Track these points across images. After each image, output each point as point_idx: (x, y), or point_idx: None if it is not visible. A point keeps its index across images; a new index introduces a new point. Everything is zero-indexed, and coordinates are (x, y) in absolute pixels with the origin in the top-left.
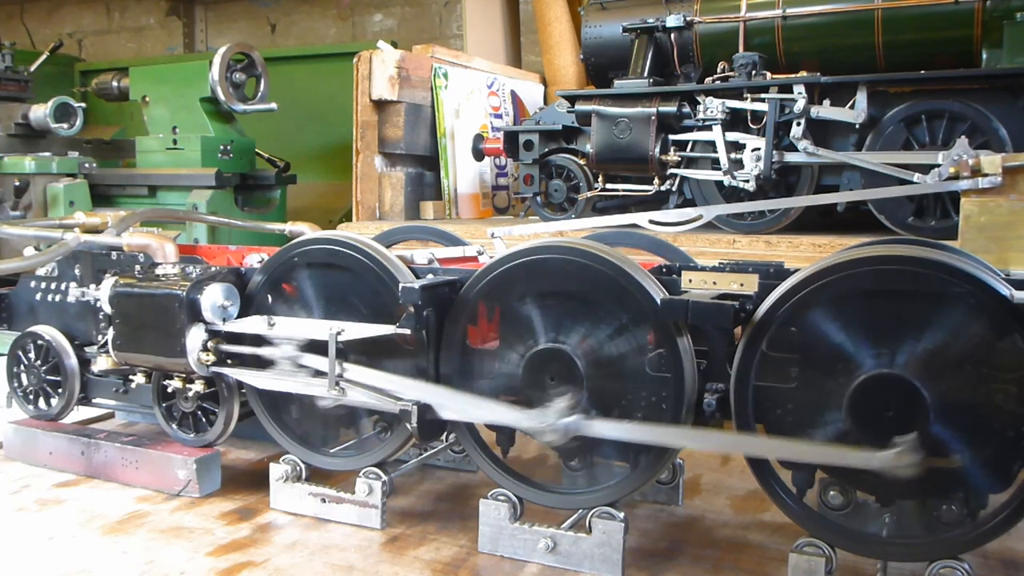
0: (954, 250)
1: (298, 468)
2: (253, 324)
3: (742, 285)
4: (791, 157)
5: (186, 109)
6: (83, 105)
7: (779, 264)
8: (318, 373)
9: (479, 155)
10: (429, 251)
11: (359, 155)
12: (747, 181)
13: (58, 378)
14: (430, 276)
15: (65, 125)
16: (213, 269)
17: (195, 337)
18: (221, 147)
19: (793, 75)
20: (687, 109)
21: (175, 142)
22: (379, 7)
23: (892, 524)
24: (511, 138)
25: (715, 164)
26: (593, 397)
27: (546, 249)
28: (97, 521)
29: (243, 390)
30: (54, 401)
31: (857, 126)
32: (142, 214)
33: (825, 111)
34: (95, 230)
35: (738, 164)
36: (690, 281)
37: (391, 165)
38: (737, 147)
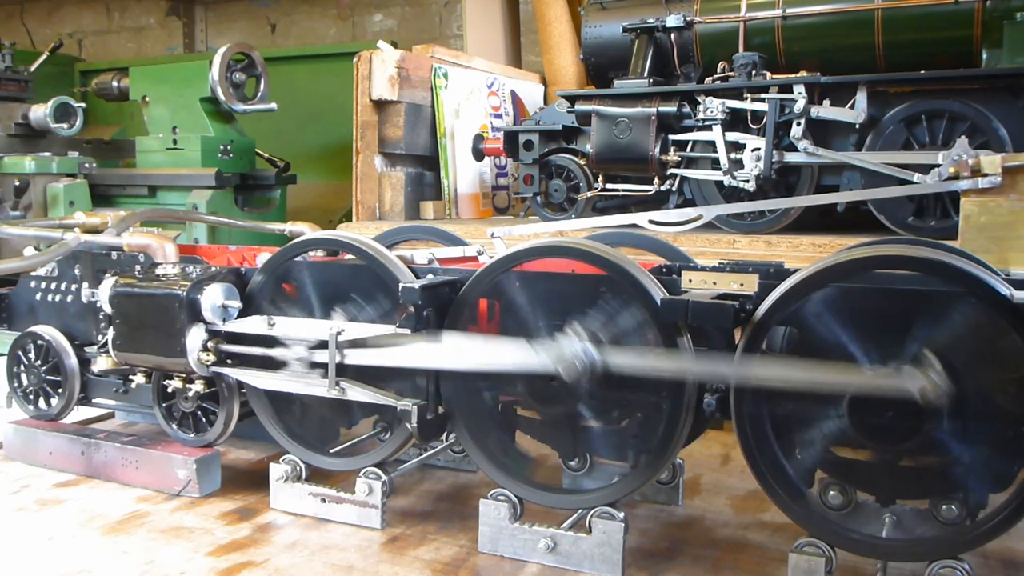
0: (954, 250)
1: (298, 468)
2: (253, 324)
3: (742, 285)
4: (791, 157)
5: (186, 109)
6: (83, 105)
7: (779, 264)
8: (314, 365)
9: (479, 155)
10: (429, 251)
11: (359, 155)
12: (747, 181)
13: (58, 378)
14: (430, 276)
15: (65, 125)
16: (213, 269)
17: (195, 337)
18: (221, 147)
19: (793, 75)
20: (687, 109)
21: (175, 142)
22: (379, 7)
23: (892, 524)
24: (511, 138)
25: (715, 164)
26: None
27: (546, 249)
28: (97, 521)
29: (243, 390)
30: (54, 401)
31: (857, 126)
32: (142, 214)
33: (825, 111)
34: (95, 230)
35: (738, 164)
36: (690, 281)
37: (391, 165)
38: (737, 147)
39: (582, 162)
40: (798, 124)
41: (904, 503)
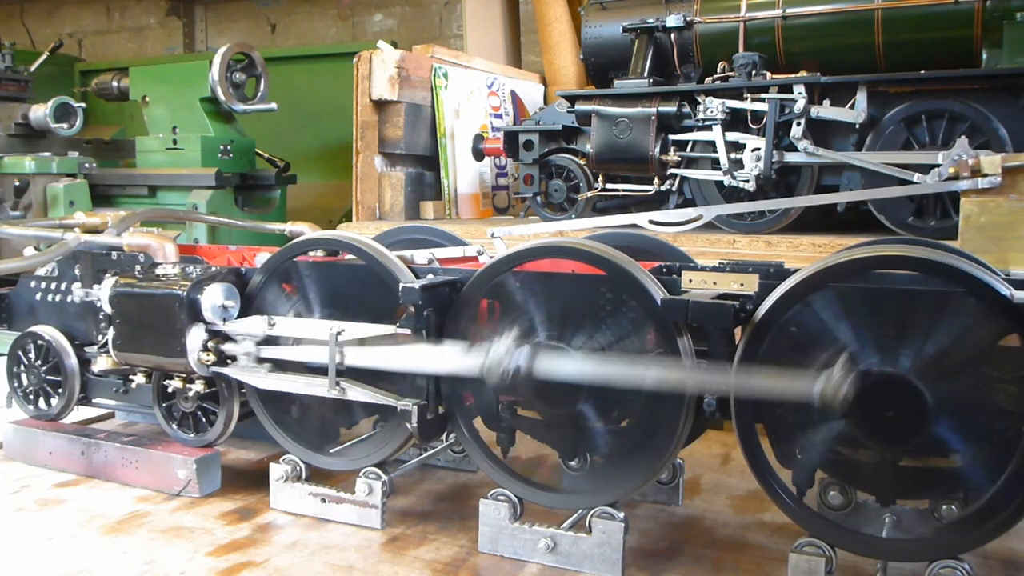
0: (954, 250)
1: (298, 468)
2: (253, 324)
3: (742, 285)
4: (791, 157)
5: (186, 109)
6: (83, 105)
7: (779, 264)
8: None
9: (479, 155)
10: (429, 251)
11: (359, 155)
12: (747, 181)
13: (58, 378)
14: (430, 276)
15: (65, 125)
16: (213, 269)
17: (195, 337)
18: (221, 147)
19: (793, 75)
20: (687, 109)
21: (175, 142)
22: (379, 7)
23: (892, 524)
24: (511, 138)
25: (715, 164)
26: (593, 396)
27: (546, 250)
28: (97, 521)
29: (243, 390)
30: (54, 401)
31: (857, 126)
32: (142, 214)
33: (825, 111)
34: (95, 230)
35: (738, 164)
36: (690, 281)
37: (391, 165)
38: (737, 147)
39: (582, 162)
40: (798, 124)
41: (904, 503)
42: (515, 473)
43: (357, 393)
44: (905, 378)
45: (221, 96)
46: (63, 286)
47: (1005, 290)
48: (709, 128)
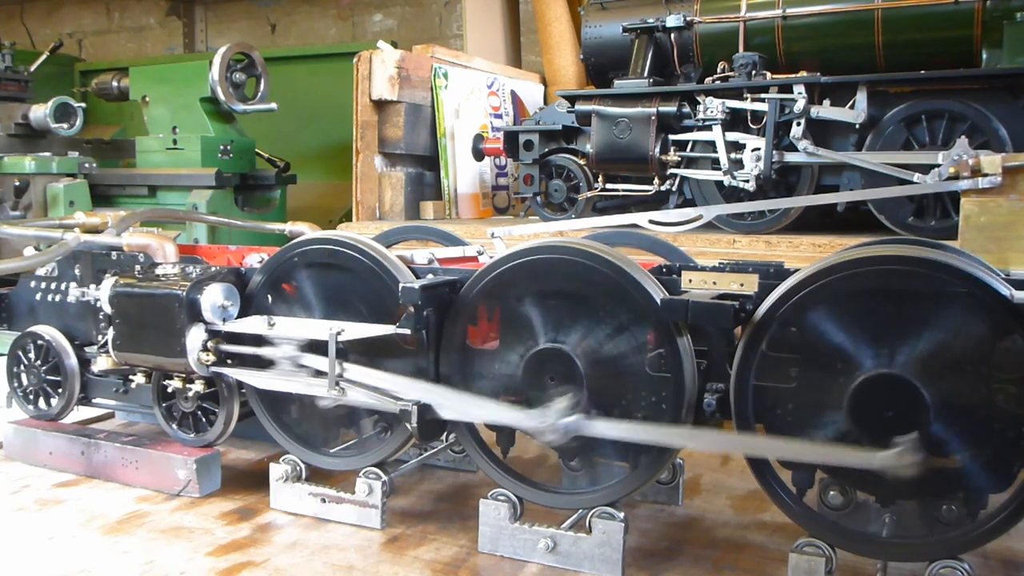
0: (954, 250)
1: (298, 468)
2: (253, 324)
3: (742, 285)
4: (791, 157)
5: (186, 109)
6: (83, 105)
7: (779, 264)
8: (318, 373)
9: (479, 155)
10: (429, 251)
11: (359, 155)
12: (747, 181)
13: (58, 378)
14: (430, 276)
15: (65, 125)
16: (213, 269)
17: (195, 337)
18: (221, 147)
19: (793, 75)
20: (687, 109)
21: (175, 142)
22: (379, 7)
23: (892, 524)
24: (511, 138)
25: (715, 164)
26: (593, 397)
27: (546, 249)
28: (97, 521)
29: (243, 390)
30: (54, 401)
31: (857, 126)
32: (142, 214)
33: (825, 111)
34: (95, 230)
35: (738, 164)
36: (690, 281)
37: (391, 165)
38: (737, 147)
39: (582, 162)
40: (798, 124)
41: (904, 503)
42: (515, 473)
43: (357, 393)
44: (905, 378)
45: (221, 96)
46: (63, 286)
47: (1005, 290)
48: (709, 128)
